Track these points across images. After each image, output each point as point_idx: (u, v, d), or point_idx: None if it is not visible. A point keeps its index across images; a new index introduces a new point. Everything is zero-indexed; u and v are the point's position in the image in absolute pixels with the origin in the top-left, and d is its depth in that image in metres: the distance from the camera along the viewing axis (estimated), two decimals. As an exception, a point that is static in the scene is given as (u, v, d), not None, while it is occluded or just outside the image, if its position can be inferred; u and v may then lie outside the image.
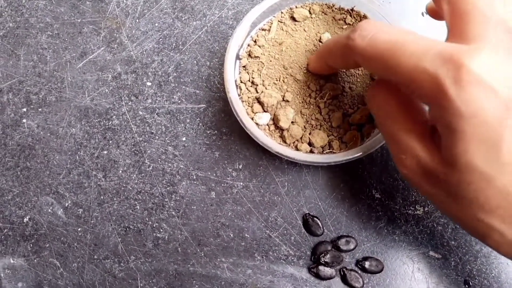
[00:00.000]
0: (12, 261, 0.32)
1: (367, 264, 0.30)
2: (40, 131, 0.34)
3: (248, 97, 0.30)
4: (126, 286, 0.31)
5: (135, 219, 0.32)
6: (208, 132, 0.33)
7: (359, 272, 0.30)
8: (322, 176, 0.32)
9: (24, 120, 0.34)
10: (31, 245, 0.32)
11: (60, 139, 0.33)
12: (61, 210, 0.32)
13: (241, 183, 0.32)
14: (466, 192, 0.20)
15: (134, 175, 0.33)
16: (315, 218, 0.31)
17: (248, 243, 0.31)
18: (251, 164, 0.32)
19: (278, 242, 0.31)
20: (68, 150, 0.33)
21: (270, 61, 0.30)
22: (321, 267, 0.30)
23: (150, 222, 0.32)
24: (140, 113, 0.34)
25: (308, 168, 0.32)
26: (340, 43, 0.24)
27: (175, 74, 0.34)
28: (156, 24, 0.36)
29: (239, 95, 0.30)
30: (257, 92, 0.30)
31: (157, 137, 0.33)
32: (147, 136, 0.33)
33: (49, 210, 0.32)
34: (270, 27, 0.31)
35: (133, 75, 0.34)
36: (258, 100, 0.29)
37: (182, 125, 0.33)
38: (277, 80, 0.30)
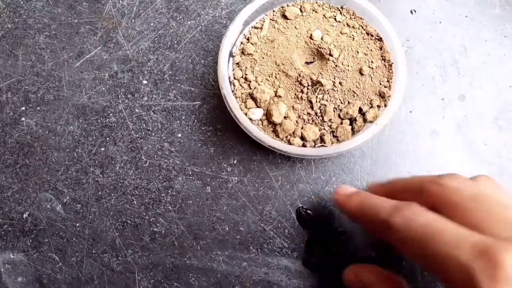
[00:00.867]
0: (12, 256, 0.32)
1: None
2: (39, 129, 0.34)
3: (242, 93, 0.30)
4: (124, 280, 0.31)
5: (132, 214, 0.32)
6: (203, 128, 0.34)
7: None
8: (315, 170, 0.33)
9: (23, 119, 0.35)
10: (30, 240, 0.32)
11: (58, 136, 0.34)
12: (60, 206, 0.33)
13: (236, 178, 0.33)
14: None
15: (131, 171, 0.33)
16: (308, 211, 0.32)
17: (243, 236, 0.32)
18: (246, 159, 0.33)
19: (272, 235, 0.32)
20: (66, 147, 0.34)
21: (263, 58, 0.31)
22: (314, 259, 0.31)
23: (147, 217, 0.32)
24: (137, 110, 0.34)
25: (301, 162, 0.33)
26: (380, 218, 0.23)
27: (170, 72, 0.35)
28: (152, 24, 0.36)
29: (232, 91, 0.31)
30: (250, 88, 0.30)
31: (153, 134, 0.34)
32: (143, 133, 0.34)
33: (48, 206, 0.33)
34: (263, 25, 0.32)
35: (129, 73, 0.35)
36: (251, 96, 0.30)
37: (178, 122, 0.34)
38: (269, 76, 0.30)
